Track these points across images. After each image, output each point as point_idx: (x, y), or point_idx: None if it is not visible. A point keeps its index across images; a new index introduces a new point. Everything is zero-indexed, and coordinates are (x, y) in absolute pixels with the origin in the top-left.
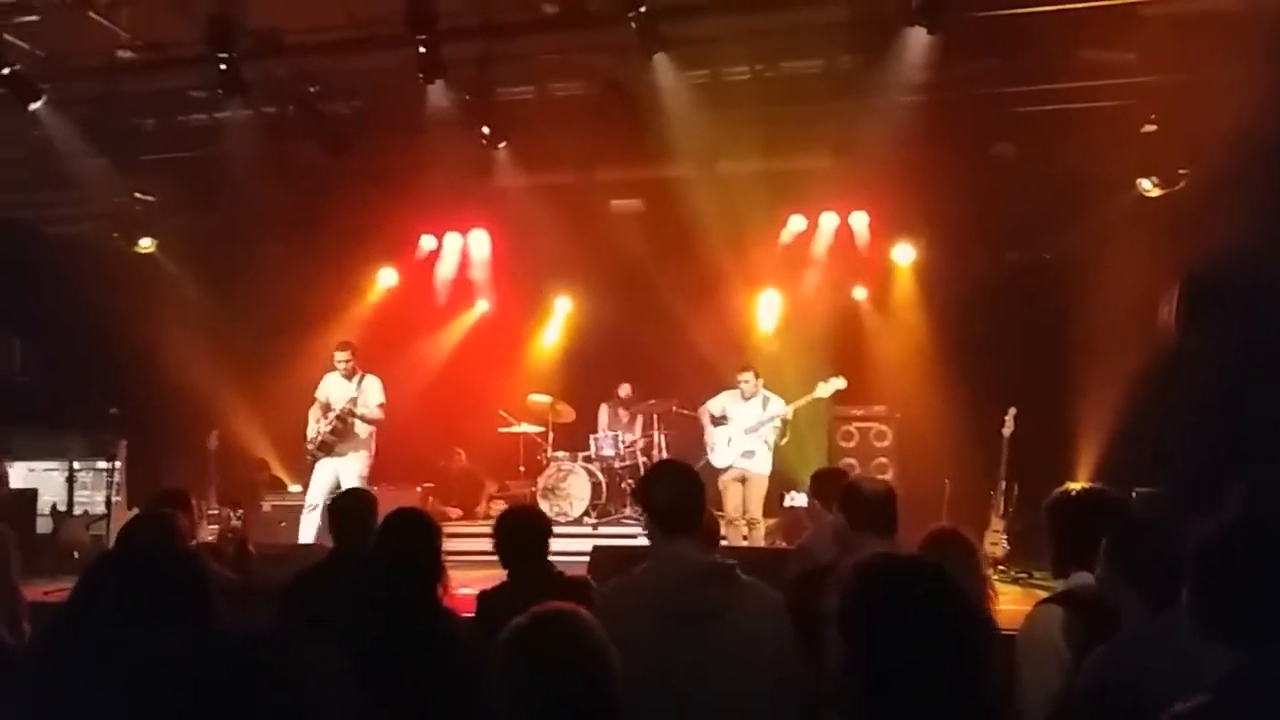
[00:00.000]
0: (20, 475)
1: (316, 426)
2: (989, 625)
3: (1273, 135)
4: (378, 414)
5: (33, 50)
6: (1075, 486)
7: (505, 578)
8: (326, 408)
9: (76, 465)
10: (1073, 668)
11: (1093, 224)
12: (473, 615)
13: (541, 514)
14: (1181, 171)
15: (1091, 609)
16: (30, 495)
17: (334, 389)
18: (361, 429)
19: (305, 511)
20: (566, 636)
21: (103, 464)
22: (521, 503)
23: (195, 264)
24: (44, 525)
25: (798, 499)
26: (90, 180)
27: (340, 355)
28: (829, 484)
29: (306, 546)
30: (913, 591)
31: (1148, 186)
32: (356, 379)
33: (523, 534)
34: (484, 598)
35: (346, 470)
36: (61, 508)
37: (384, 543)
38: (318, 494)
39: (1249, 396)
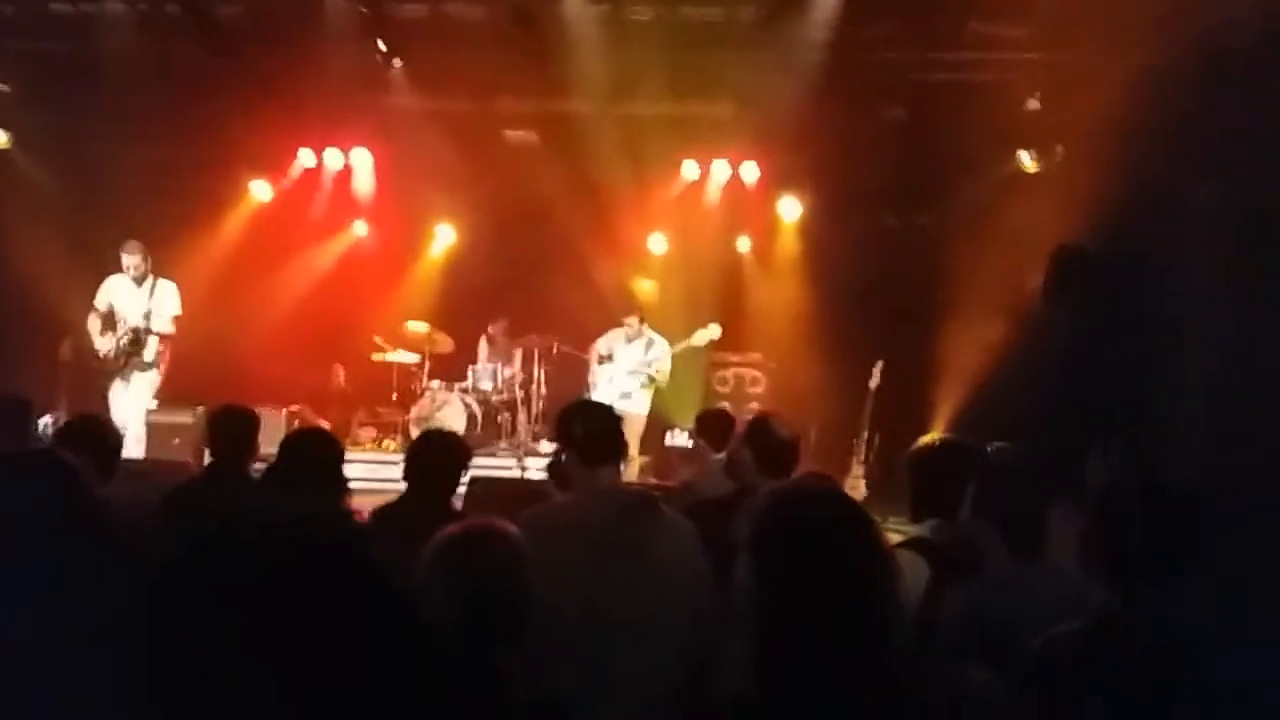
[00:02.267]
0: None
1: (110, 341)
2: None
3: (1145, 123)
4: (170, 328)
5: None
6: (936, 437)
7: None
8: (110, 318)
9: None
10: (922, 607)
11: (973, 192)
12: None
13: (465, 447)
14: (1059, 149)
15: (944, 553)
16: None
17: (122, 296)
18: (153, 344)
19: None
20: (500, 548)
21: None
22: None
23: (54, 162)
24: None
25: (679, 438)
26: None
27: (130, 259)
28: (714, 425)
29: (165, 463)
30: (829, 516)
31: (1027, 161)
32: (149, 285)
33: (439, 459)
34: (379, 513)
35: (136, 386)
36: None
37: (287, 458)
38: (126, 413)
39: (1103, 368)
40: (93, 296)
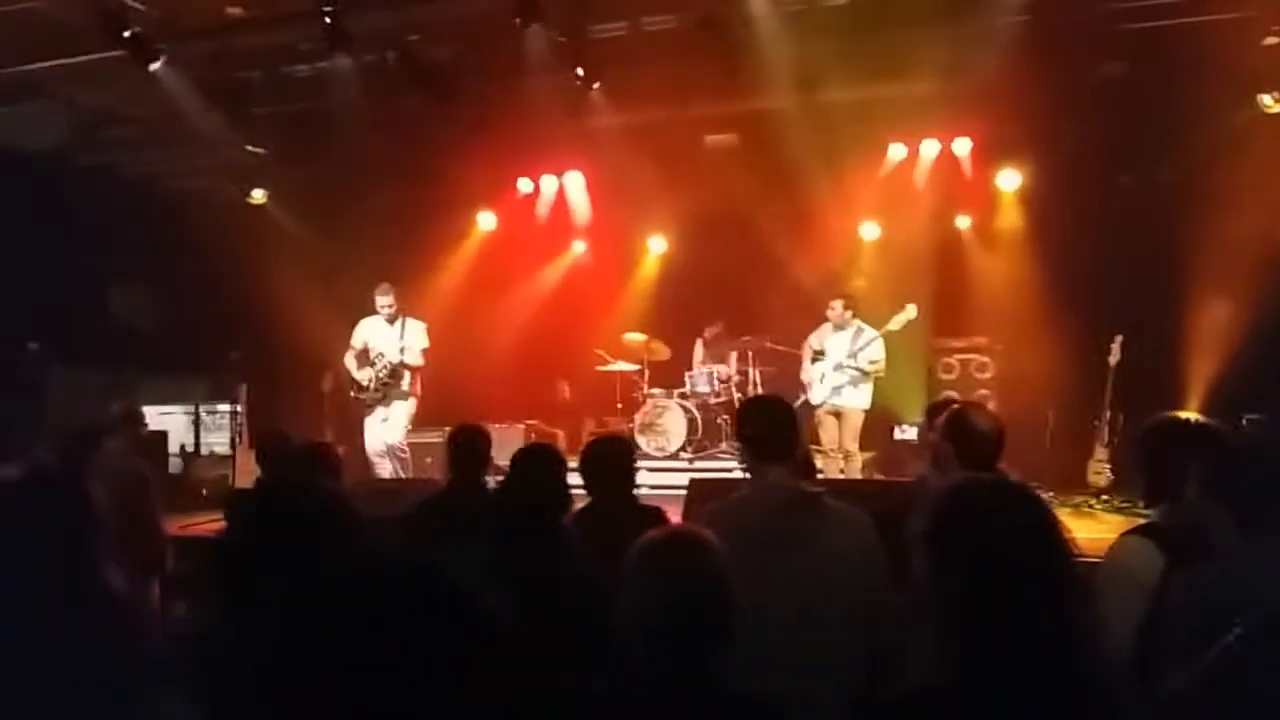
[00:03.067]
0: (148, 418)
1: (370, 373)
2: (1072, 550)
3: None
4: (421, 361)
5: (147, 11)
6: (1168, 416)
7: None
8: (365, 355)
9: (201, 408)
10: (1155, 595)
11: (1209, 143)
12: None
13: (624, 441)
14: None
15: (1175, 537)
16: (161, 437)
17: (377, 334)
18: (406, 377)
19: (373, 460)
20: (703, 549)
21: (225, 407)
22: (607, 434)
23: (305, 213)
24: (174, 465)
25: (908, 432)
26: (204, 135)
27: (383, 300)
28: (942, 413)
29: (416, 480)
30: (1000, 512)
31: (1269, 102)
32: (400, 324)
33: (606, 461)
34: (578, 517)
35: (394, 414)
36: (189, 449)
37: (519, 475)
38: (375, 443)
39: None
40: (348, 334)
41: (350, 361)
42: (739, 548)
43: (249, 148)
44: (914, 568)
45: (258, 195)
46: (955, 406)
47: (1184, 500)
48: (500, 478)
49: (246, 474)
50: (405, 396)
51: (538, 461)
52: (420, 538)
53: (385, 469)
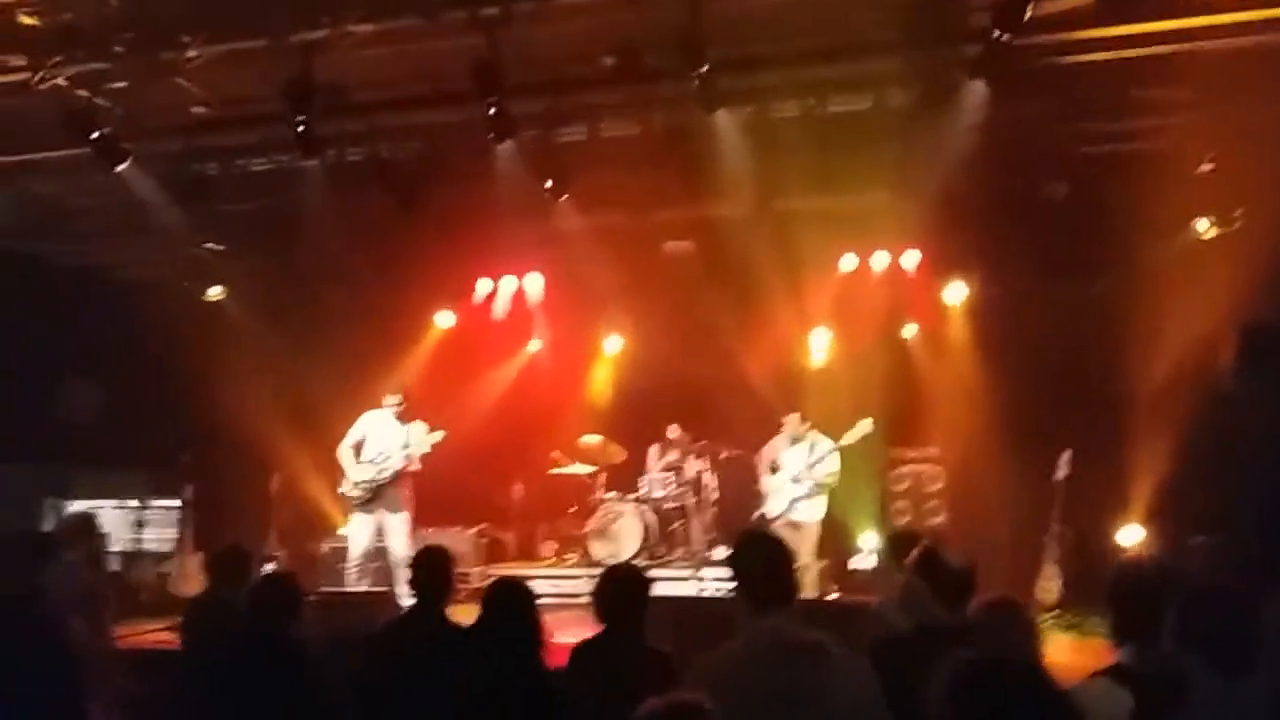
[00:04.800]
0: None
1: (365, 471)
2: None
3: None
4: (419, 466)
5: (114, 110)
6: (1137, 557)
7: (600, 631)
8: (359, 446)
9: (142, 505)
10: None
11: (1148, 265)
12: (565, 665)
13: (644, 578)
14: (1237, 212)
15: (1144, 681)
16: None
17: (381, 432)
18: (408, 480)
19: (352, 566)
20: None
21: (167, 503)
22: (627, 565)
23: (262, 310)
24: (112, 563)
25: (864, 559)
26: (164, 230)
27: (392, 399)
28: (903, 548)
29: (372, 594)
30: (1011, 705)
31: (1204, 227)
32: (406, 426)
33: (625, 596)
34: (578, 652)
35: (396, 527)
36: (129, 548)
37: (490, 617)
38: (364, 548)
39: None
40: (300, 432)
41: (346, 454)
42: (736, 707)
43: (208, 245)
44: None
45: (214, 292)
46: (926, 544)
47: (1154, 643)
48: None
49: (191, 581)
50: (404, 505)
51: (510, 602)
52: (386, 665)
53: (363, 579)
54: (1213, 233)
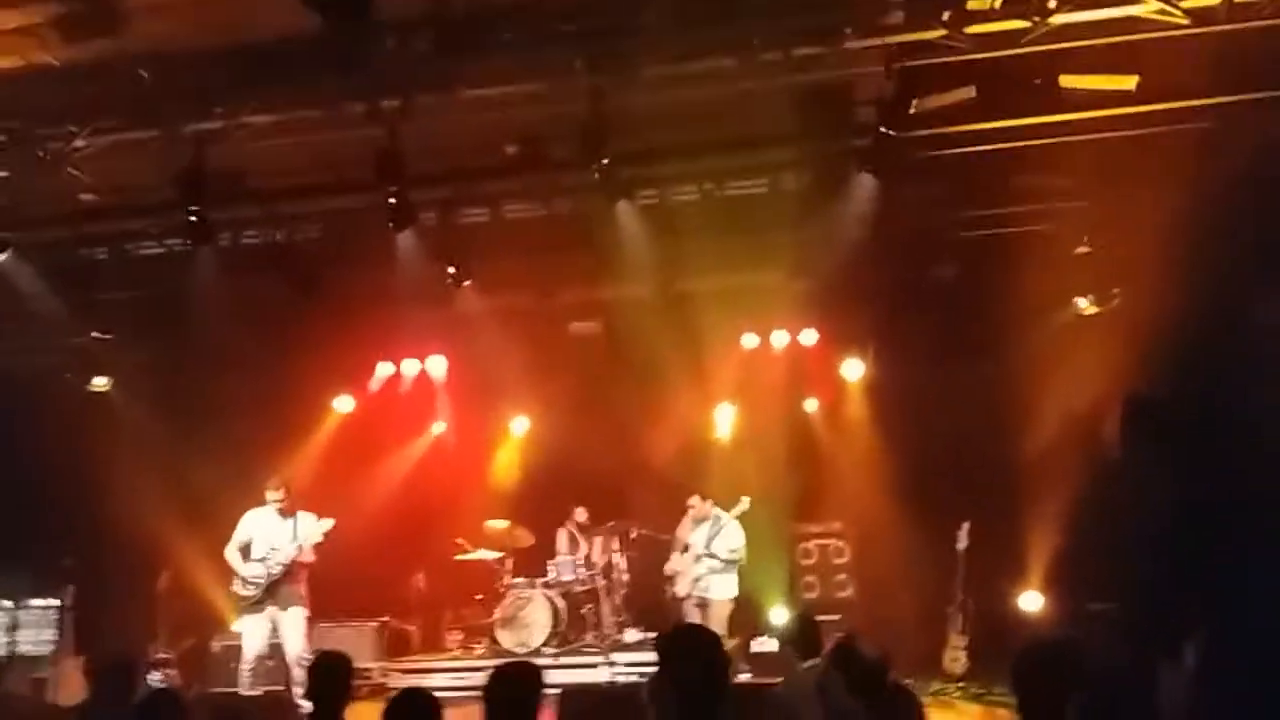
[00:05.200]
0: None
1: (253, 569)
2: None
3: (1198, 250)
4: (312, 557)
5: None
6: (1038, 643)
7: None
8: (246, 547)
9: (18, 606)
10: None
11: (1034, 341)
12: None
13: (536, 674)
14: (1115, 291)
15: None
16: None
17: (265, 528)
18: (301, 573)
19: (247, 667)
20: None
21: (44, 603)
22: (517, 662)
23: (150, 400)
24: None
25: (766, 644)
26: (45, 319)
27: (274, 494)
28: (799, 634)
29: (269, 696)
30: None
31: (1084, 305)
32: (292, 519)
33: (516, 695)
34: None
35: (290, 623)
36: (2, 654)
37: None
38: (258, 648)
39: (1194, 517)
40: (190, 527)
41: (233, 555)
42: None
43: (95, 335)
44: None
45: (100, 383)
46: (840, 636)
47: None
48: None
49: (70, 689)
50: (299, 601)
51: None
52: None
53: (257, 680)
54: (1092, 310)
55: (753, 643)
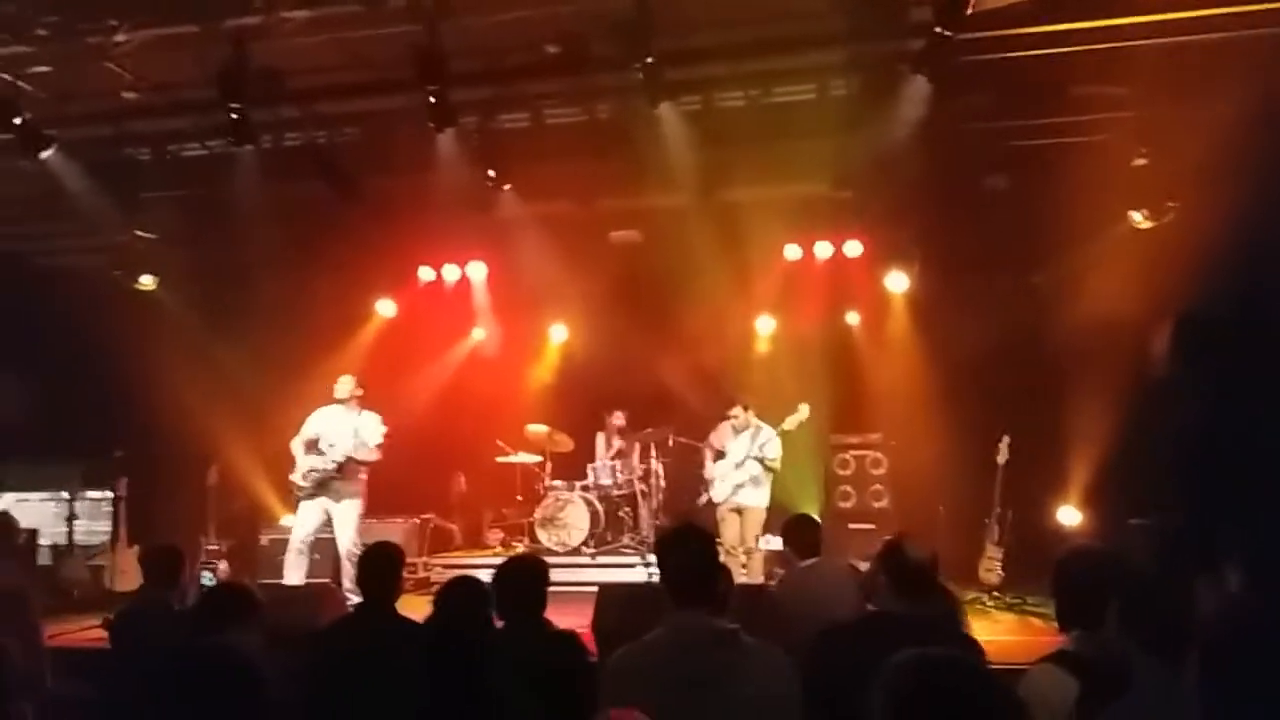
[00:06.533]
0: (11, 505)
1: (312, 461)
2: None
3: (1259, 167)
4: (376, 455)
5: (38, 94)
6: (1081, 545)
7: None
8: (313, 443)
9: (74, 497)
10: None
11: (1086, 254)
12: None
13: (541, 566)
14: (1170, 204)
15: (1089, 666)
16: (30, 532)
17: (332, 423)
18: (359, 470)
19: (292, 552)
20: None
21: (99, 494)
22: (522, 554)
23: (196, 300)
24: (42, 557)
25: (772, 542)
26: (92, 217)
27: (342, 389)
28: (797, 532)
29: (315, 588)
30: (955, 698)
31: (1138, 219)
32: (356, 414)
33: (520, 586)
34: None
35: (343, 516)
36: (61, 543)
37: (443, 612)
38: (305, 533)
39: (1237, 433)
40: (237, 423)
41: (298, 448)
42: (652, 688)
43: (139, 233)
44: None
45: (146, 281)
46: (890, 538)
47: (1099, 630)
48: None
49: (126, 576)
50: (353, 495)
51: (465, 599)
52: (336, 664)
53: (300, 566)
54: (1146, 224)
55: (759, 540)
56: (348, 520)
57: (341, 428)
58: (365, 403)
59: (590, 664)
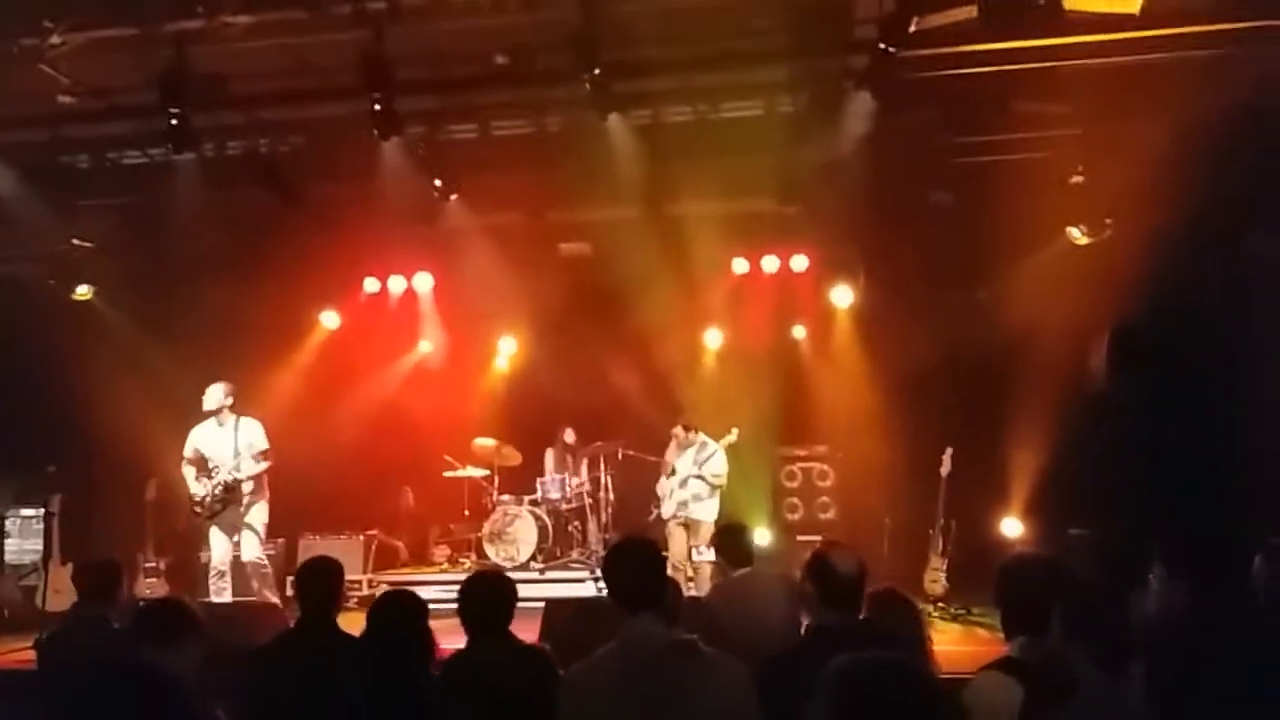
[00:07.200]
0: None
1: (204, 487)
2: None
3: (1192, 186)
4: (265, 463)
5: None
6: (1024, 553)
7: (466, 643)
8: (202, 463)
9: (5, 515)
10: None
11: (1026, 269)
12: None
13: (508, 583)
14: (1108, 221)
15: (1034, 672)
16: None
17: (209, 442)
18: (245, 489)
19: (214, 577)
20: None
21: (32, 511)
22: (488, 569)
23: (134, 310)
24: None
25: (706, 554)
26: (27, 224)
27: (210, 402)
28: (730, 542)
29: (253, 604)
30: (895, 705)
31: (1076, 235)
32: (232, 425)
33: (488, 604)
34: (447, 666)
35: (250, 521)
36: None
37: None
38: (221, 557)
39: (1173, 443)
40: (177, 438)
41: (187, 473)
42: (609, 704)
43: (75, 241)
44: None
45: (83, 290)
46: (816, 549)
47: (1044, 637)
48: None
49: (60, 596)
50: (257, 500)
51: (397, 613)
52: (277, 679)
53: (224, 591)
54: (1085, 240)
55: (693, 552)
56: (255, 523)
57: (220, 448)
58: (245, 408)
59: (558, 679)
